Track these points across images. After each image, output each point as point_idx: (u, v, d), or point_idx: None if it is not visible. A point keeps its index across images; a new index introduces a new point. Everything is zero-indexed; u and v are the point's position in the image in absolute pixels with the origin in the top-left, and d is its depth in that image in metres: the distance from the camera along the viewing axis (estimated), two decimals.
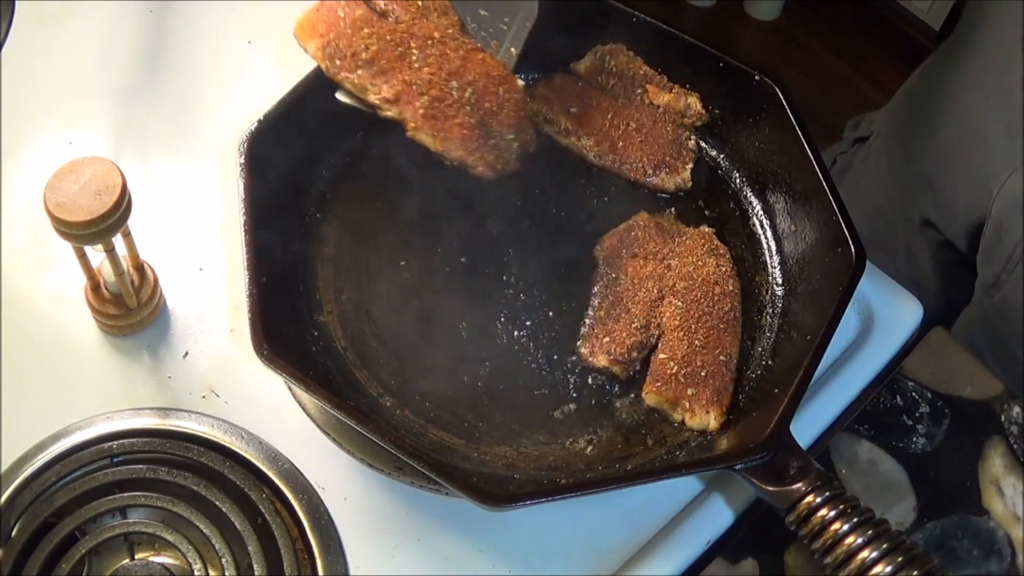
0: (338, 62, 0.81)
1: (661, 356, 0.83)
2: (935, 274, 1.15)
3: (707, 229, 0.90)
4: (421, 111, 0.80)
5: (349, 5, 0.82)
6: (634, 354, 0.83)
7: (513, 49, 0.88)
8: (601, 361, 0.83)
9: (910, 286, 1.07)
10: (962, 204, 1.05)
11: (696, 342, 0.83)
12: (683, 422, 0.81)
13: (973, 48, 1.04)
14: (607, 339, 0.84)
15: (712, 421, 0.81)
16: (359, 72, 0.80)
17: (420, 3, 0.83)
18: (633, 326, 0.84)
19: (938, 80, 1.10)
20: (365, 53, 0.80)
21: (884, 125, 1.22)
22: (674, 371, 0.81)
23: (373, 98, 0.80)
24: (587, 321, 0.86)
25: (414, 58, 0.81)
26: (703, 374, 0.82)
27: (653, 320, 0.85)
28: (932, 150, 1.08)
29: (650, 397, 0.82)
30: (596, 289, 0.87)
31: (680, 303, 0.85)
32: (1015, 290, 0.98)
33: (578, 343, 0.85)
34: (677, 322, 0.84)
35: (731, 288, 0.87)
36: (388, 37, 0.81)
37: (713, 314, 0.84)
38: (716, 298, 0.85)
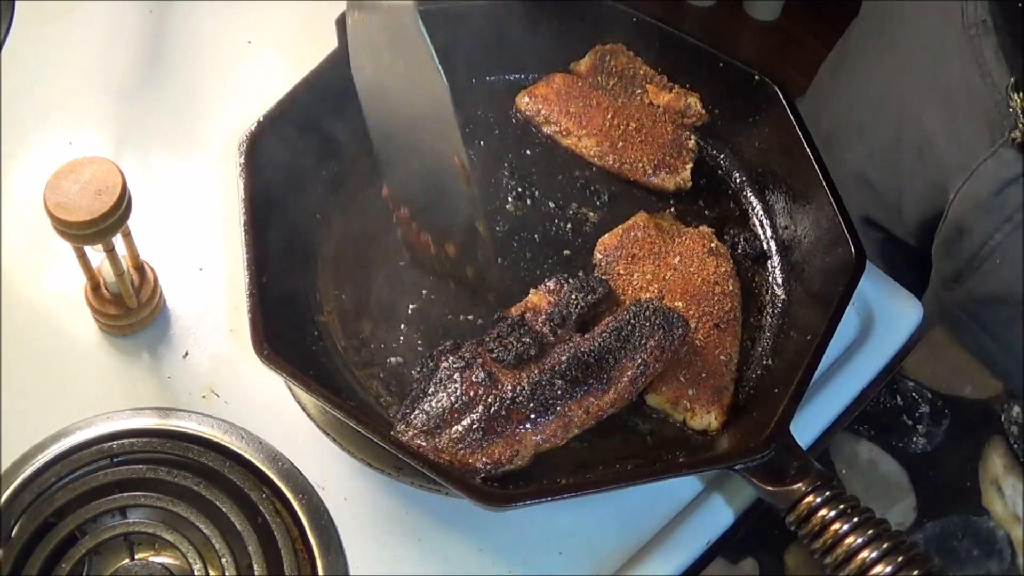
0: None
1: None
2: (884, 270, 1.15)
3: (707, 229, 0.90)
4: None
5: None
6: None
7: None
8: None
9: None
10: (910, 204, 1.05)
11: (696, 342, 0.83)
12: (684, 422, 0.81)
13: (898, 46, 1.04)
14: None
15: (713, 421, 0.81)
16: None
17: None
18: None
19: (863, 78, 1.09)
20: None
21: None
22: (675, 371, 0.81)
23: None
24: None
25: None
26: (703, 374, 0.81)
27: None
28: (867, 152, 1.08)
29: (651, 398, 0.82)
30: None
31: (680, 303, 0.85)
32: (979, 285, 0.98)
33: None
34: None
35: (731, 288, 0.86)
36: None
37: (713, 314, 0.84)
38: (716, 298, 0.85)
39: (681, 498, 0.82)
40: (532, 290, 0.84)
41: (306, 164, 0.89)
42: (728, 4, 2.47)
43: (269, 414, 0.82)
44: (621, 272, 0.87)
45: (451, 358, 0.78)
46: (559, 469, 0.78)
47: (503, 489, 0.74)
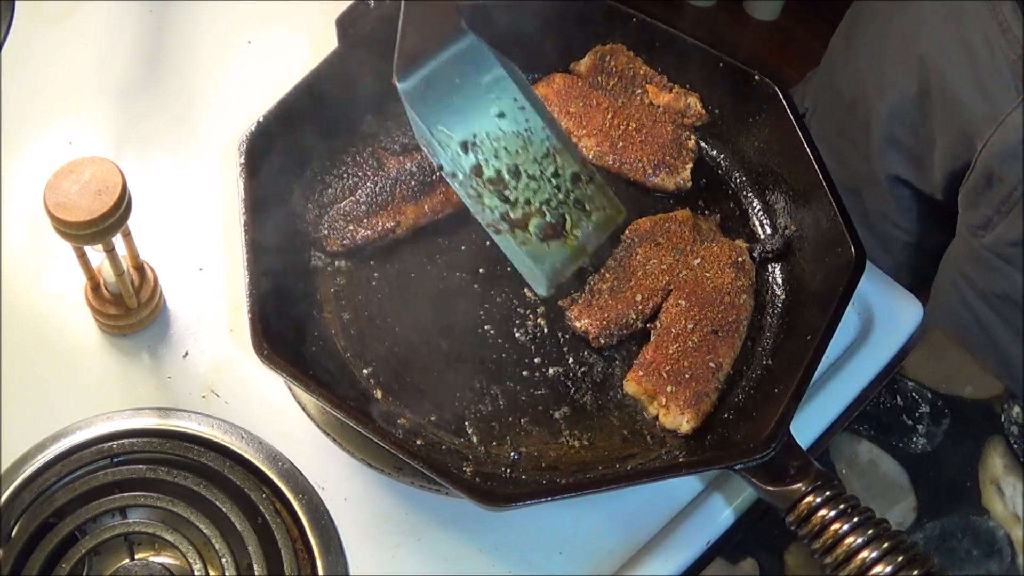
0: None
1: (651, 348, 0.83)
2: (911, 226, 1.20)
3: (743, 243, 0.90)
4: None
5: None
6: (614, 328, 0.84)
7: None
8: (582, 323, 0.84)
9: (880, 248, 1.14)
10: (938, 156, 1.09)
11: (689, 343, 0.83)
12: (657, 418, 0.81)
13: (911, 5, 1.08)
14: (597, 306, 0.84)
15: (684, 424, 0.80)
16: None
17: None
18: (627, 305, 0.85)
19: (880, 40, 1.13)
20: None
21: (823, 96, 1.24)
22: (659, 365, 0.82)
23: None
24: (587, 286, 0.86)
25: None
26: (687, 375, 0.81)
27: (650, 308, 0.85)
28: (891, 110, 1.12)
29: (630, 385, 0.82)
30: (609, 262, 0.88)
31: (684, 302, 0.85)
32: (1009, 229, 1.02)
33: (568, 301, 0.86)
34: (676, 319, 0.84)
35: (741, 302, 0.86)
36: None
37: (714, 320, 0.84)
38: (722, 307, 0.85)
39: (681, 498, 0.82)
40: None
41: (306, 164, 0.89)
42: (728, 4, 2.48)
43: (269, 414, 0.83)
44: (639, 255, 0.87)
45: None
46: (559, 469, 0.78)
47: (503, 489, 0.74)
